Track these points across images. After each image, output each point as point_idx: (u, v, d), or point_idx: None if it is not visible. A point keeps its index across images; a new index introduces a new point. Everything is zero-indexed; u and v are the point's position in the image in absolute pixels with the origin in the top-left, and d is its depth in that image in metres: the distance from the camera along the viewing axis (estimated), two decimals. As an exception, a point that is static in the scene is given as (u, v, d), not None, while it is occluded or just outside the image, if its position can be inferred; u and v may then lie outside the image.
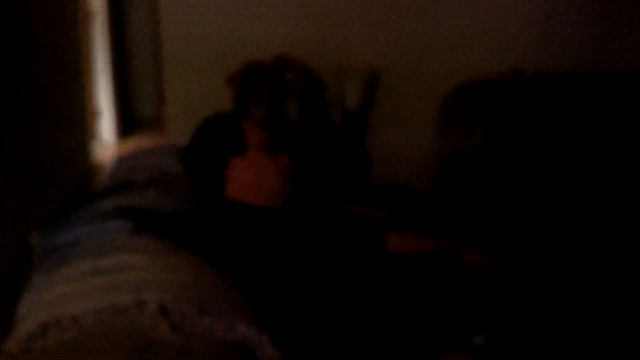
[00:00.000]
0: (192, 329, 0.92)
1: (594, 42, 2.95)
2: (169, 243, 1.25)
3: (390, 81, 2.98)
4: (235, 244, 1.57)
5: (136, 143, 6.22)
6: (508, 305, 1.69)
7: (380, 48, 2.95)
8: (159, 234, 1.26)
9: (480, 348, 1.48)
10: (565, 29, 2.94)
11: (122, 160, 1.77)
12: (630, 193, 2.30)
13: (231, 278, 1.41)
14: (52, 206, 3.71)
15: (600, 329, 1.51)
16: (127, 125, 6.62)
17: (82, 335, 0.88)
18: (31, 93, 4.10)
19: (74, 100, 5.00)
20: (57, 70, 4.60)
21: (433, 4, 2.89)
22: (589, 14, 2.93)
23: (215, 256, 1.42)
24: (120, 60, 6.54)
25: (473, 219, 2.66)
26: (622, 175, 2.38)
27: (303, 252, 1.63)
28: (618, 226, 2.16)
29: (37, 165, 4.13)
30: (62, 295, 1.03)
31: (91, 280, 1.05)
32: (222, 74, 2.73)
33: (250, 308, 1.10)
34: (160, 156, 1.73)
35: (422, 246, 1.99)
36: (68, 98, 4.85)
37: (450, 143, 2.99)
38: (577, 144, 2.49)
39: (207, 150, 1.73)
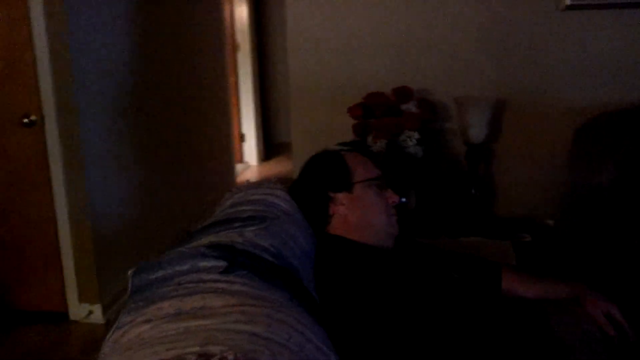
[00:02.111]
0: (254, 390, 0.83)
1: None
2: (260, 284, 1.18)
3: (516, 112, 2.80)
4: (334, 281, 1.49)
5: (275, 166, 6.36)
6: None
7: (506, 79, 2.77)
8: (251, 274, 1.20)
9: None
10: None
11: (230, 194, 1.73)
12: None
13: (333, 314, 1.34)
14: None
15: None
16: (268, 149, 6.80)
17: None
18: (187, 118, 4.30)
19: (222, 126, 5.18)
20: (208, 98, 4.80)
21: (561, 33, 2.67)
22: None
23: (309, 293, 1.34)
24: (262, 89, 6.74)
25: (603, 258, 2.43)
26: None
27: (411, 295, 1.51)
28: None
29: (188, 185, 4.31)
30: (137, 338, 0.99)
31: (170, 325, 0.99)
32: (344, 104, 2.68)
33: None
34: (269, 190, 1.68)
35: (540, 290, 1.80)
36: (217, 124, 5.04)
37: (581, 176, 2.76)
38: None
39: (311, 184, 1.67)
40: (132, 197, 3.54)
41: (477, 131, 2.52)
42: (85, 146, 3.04)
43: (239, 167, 5.90)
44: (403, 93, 2.55)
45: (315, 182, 1.67)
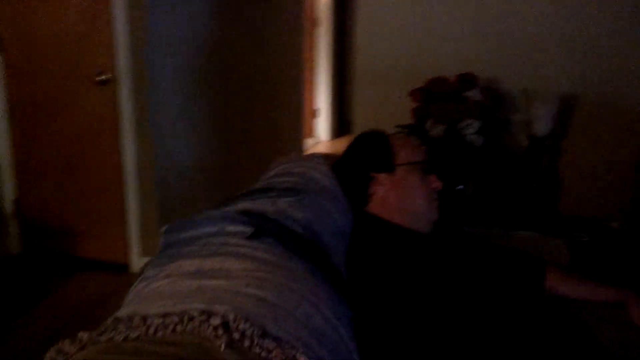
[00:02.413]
0: (249, 350, 0.86)
1: None
2: (283, 252, 1.21)
3: (589, 109, 2.71)
4: (366, 260, 1.50)
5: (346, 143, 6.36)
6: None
7: (581, 74, 2.68)
8: (276, 242, 1.23)
9: None
10: None
11: (276, 164, 1.77)
12: None
13: (361, 293, 1.35)
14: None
15: None
16: (342, 126, 6.80)
17: (145, 336, 0.87)
18: (258, 89, 4.37)
19: (293, 100, 5.23)
20: (281, 71, 4.85)
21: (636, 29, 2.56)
22: None
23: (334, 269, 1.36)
24: (340, 66, 6.73)
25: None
26: None
27: (441, 282, 1.50)
28: None
29: (254, 153, 4.39)
30: (155, 291, 1.04)
31: (186, 282, 1.04)
32: (408, 87, 2.66)
33: (332, 339, 1.02)
34: (312, 164, 1.70)
35: (584, 291, 1.76)
36: (288, 97, 5.09)
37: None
38: None
39: (353, 163, 1.68)
40: (197, 158, 3.64)
41: (542, 124, 2.46)
42: (155, 106, 3.14)
43: (309, 141, 5.95)
44: (467, 80, 2.51)
45: (358, 161, 1.68)
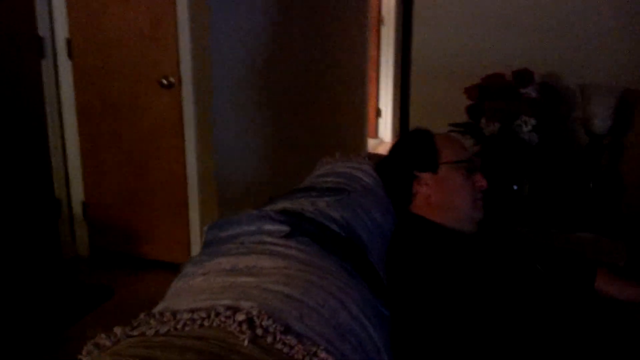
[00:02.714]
0: (272, 346, 0.89)
1: None
2: (318, 251, 1.23)
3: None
4: (407, 259, 1.50)
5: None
6: None
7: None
8: (311, 241, 1.26)
9: None
10: None
11: (321, 164, 1.79)
12: None
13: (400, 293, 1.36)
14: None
15: None
16: (404, 126, 6.76)
17: (174, 331, 0.91)
18: (321, 89, 4.41)
19: (356, 99, 5.24)
20: (345, 71, 4.87)
21: None
22: None
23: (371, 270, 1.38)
24: (404, 65, 6.69)
25: None
26: None
27: (486, 283, 1.49)
28: None
29: (316, 154, 4.43)
30: (190, 288, 1.08)
31: (219, 278, 1.08)
32: (464, 84, 2.63)
33: (358, 336, 1.04)
34: (356, 164, 1.72)
35: (634, 294, 1.72)
36: (351, 97, 5.11)
37: None
38: None
39: (397, 162, 1.69)
40: (258, 160, 3.71)
41: (600, 121, 2.39)
42: (217, 110, 3.22)
43: (372, 142, 5.95)
44: (523, 76, 2.46)
45: (402, 160, 1.68)
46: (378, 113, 6.44)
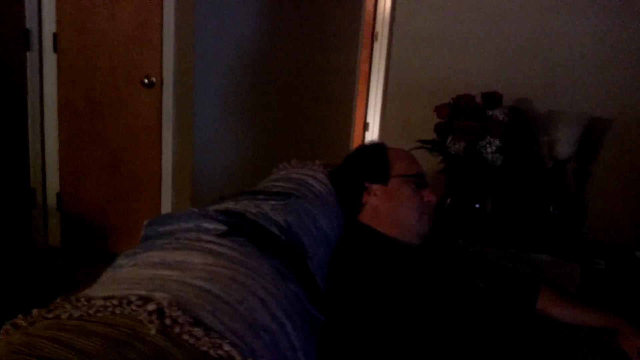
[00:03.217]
0: (179, 337, 0.92)
1: None
2: (251, 251, 1.26)
3: (621, 134, 2.66)
4: (348, 266, 1.53)
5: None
6: None
7: (615, 98, 2.63)
8: (246, 241, 1.28)
9: None
10: None
11: (278, 169, 1.82)
12: None
13: (338, 299, 1.39)
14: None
15: None
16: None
17: (87, 316, 0.94)
18: (305, 101, 4.44)
19: (346, 112, 5.27)
20: (332, 85, 4.90)
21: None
22: None
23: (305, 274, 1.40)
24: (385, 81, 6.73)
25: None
26: None
27: (422, 294, 1.52)
28: None
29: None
30: (114, 278, 1.11)
31: (143, 270, 1.10)
32: (436, 102, 2.67)
33: (273, 335, 1.06)
34: (311, 172, 1.75)
35: (575, 316, 1.75)
36: (338, 110, 5.14)
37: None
38: None
39: (349, 172, 1.72)
40: (236, 163, 3.73)
41: (565, 147, 2.43)
42: (197, 111, 3.25)
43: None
44: (491, 98, 2.50)
45: (354, 170, 1.72)
46: (365, 127, 6.47)
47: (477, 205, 2.56)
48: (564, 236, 2.60)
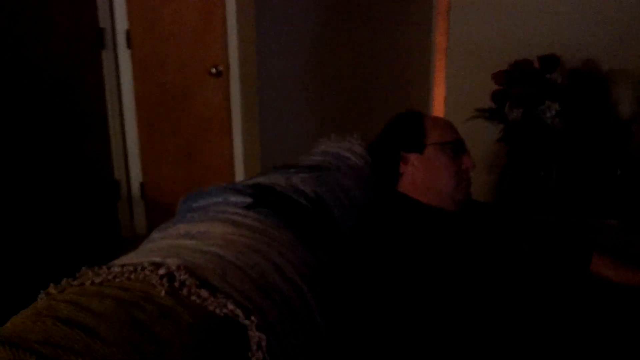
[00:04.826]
0: (187, 298, 0.99)
1: None
2: (275, 222, 1.32)
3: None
4: (383, 235, 1.55)
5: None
6: None
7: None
8: (271, 212, 1.34)
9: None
10: None
11: (319, 143, 1.87)
12: None
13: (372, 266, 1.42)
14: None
15: None
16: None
17: (106, 282, 1.03)
18: (376, 81, 4.41)
19: (422, 90, 5.22)
20: (405, 61, 4.85)
21: None
22: None
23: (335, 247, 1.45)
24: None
25: None
26: None
27: (460, 261, 1.53)
28: None
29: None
30: (144, 248, 1.20)
31: (167, 241, 1.19)
32: (497, 69, 2.63)
33: (285, 296, 1.12)
34: (347, 144, 1.79)
35: (629, 276, 1.70)
36: (412, 89, 5.08)
37: None
38: None
39: (386, 142, 1.74)
40: (303, 144, 3.78)
41: (628, 107, 2.33)
42: (262, 96, 3.34)
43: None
44: (549, 61, 2.44)
45: (390, 141, 1.73)
46: (446, 101, 6.38)
47: (542, 173, 2.51)
48: (632, 200, 2.50)
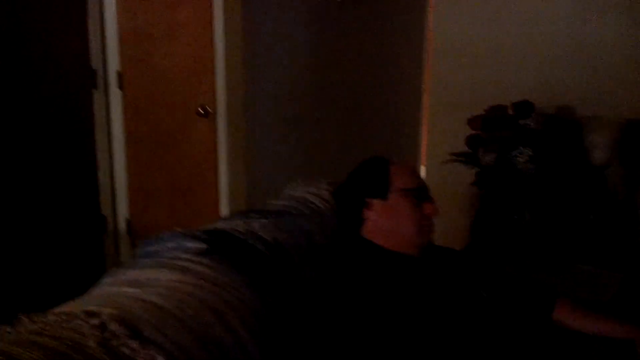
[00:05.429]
0: (117, 349, 0.96)
1: None
2: (226, 269, 1.29)
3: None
4: (341, 278, 1.52)
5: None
6: None
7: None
8: (223, 259, 1.31)
9: None
10: None
11: (289, 188, 1.85)
12: None
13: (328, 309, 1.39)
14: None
15: None
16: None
17: (40, 329, 0.99)
18: (367, 127, 4.39)
19: (411, 127, 5.20)
20: (396, 103, 4.85)
21: None
22: None
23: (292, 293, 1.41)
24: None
25: None
26: None
27: (417, 304, 1.50)
28: None
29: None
30: (90, 294, 1.17)
31: (112, 288, 1.16)
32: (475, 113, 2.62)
33: (227, 349, 1.08)
34: (314, 189, 1.77)
35: (593, 326, 1.67)
36: (407, 127, 5.07)
37: None
38: None
39: (350, 188, 1.72)
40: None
41: (601, 153, 2.32)
42: (249, 138, 3.32)
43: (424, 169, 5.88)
44: (523, 107, 2.43)
45: (355, 186, 1.71)
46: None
47: (515, 217, 2.48)
48: (613, 244, 2.46)
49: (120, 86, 3.56)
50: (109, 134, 3.57)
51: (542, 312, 1.70)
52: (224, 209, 3.42)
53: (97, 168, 3.55)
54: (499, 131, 2.39)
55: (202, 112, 3.36)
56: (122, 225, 3.67)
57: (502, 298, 1.68)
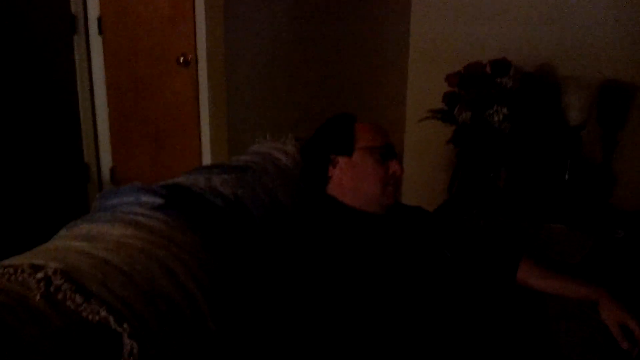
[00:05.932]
0: (63, 303, 0.98)
1: None
2: (181, 224, 1.29)
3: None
4: (303, 235, 1.53)
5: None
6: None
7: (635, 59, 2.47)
8: (180, 214, 1.32)
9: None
10: None
11: (253, 145, 1.84)
12: None
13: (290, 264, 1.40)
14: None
15: None
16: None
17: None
18: (351, 95, 4.34)
19: (398, 81, 5.13)
20: (387, 58, 4.79)
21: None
22: None
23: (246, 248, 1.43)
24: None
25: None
26: None
27: (379, 262, 1.52)
28: None
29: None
30: (43, 247, 1.18)
31: (66, 242, 1.17)
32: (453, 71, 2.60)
33: (174, 303, 1.10)
34: (280, 145, 1.77)
35: (555, 286, 1.70)
36: (393, 79, 5.01)
37: None
38: None
39: (316, 144, 1.72)
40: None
41: (577, 113, 2.31)
42: (230, 87, 3.29)
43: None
44: (500, 66, 2.41)
45: (321, 143, 1.71)
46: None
47: (491, 175, 2.49)
48: (587, 205, 2.48)
49: (101, 32, 3.51)
50: (90, 80, 3.54)
51: (505, 272, 1.72)
52: (206, 158, 3.41)
53: (79, 116, 3.53)
54: (475, 89, 2.37)
55: (183, 59, 3.32)
56: (105, 173, 3.68)
57: (466, 258, 1.69)
